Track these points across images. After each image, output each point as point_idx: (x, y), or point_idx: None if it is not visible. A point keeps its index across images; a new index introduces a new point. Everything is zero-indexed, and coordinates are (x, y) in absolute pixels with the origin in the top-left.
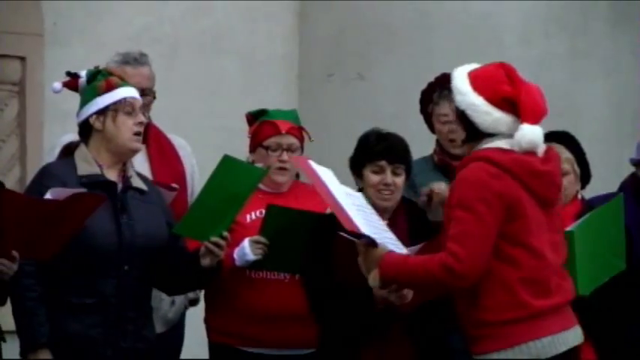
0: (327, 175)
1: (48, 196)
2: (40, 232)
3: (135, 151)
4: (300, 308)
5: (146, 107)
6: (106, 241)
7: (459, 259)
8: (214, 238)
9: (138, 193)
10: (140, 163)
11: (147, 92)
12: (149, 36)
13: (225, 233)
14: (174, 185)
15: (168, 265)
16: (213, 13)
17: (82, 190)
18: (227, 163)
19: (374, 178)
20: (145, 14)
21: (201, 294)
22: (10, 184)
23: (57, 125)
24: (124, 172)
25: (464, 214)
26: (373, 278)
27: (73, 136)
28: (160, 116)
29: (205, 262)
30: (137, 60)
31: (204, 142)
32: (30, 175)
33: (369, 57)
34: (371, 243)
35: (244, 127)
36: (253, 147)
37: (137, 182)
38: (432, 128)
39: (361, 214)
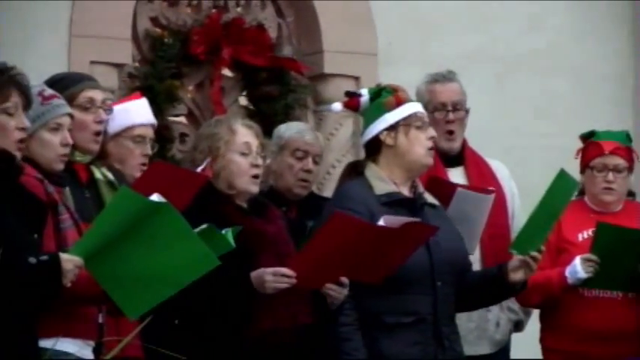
0: None
1: (381, 223)
2: (369, 259)
3: (427, 167)
4: (633, 326)
5: (460, 122)
6: (418, 259)
7: None
8: (533, 253)
9: (432, 209)
10: None
11: (458, 107)
12: (482, 55)
13: (542, 247)
14: (490, 188)
15: (467, 281)
16: (546, 32)
17: (416, 219)
18: (561, 177)
19: None
20: (477, 33)
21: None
22: None
23: None
24: (415, 188)
25: None
26: None
27: None
28: (491, 134)
29: (517, 276)
30: (445, 77)
31: (535, 161)
32: None
33: None
34: None
35: (575, 147)
36: (582, 168)
37: (429, 197)
38: None
39: None
